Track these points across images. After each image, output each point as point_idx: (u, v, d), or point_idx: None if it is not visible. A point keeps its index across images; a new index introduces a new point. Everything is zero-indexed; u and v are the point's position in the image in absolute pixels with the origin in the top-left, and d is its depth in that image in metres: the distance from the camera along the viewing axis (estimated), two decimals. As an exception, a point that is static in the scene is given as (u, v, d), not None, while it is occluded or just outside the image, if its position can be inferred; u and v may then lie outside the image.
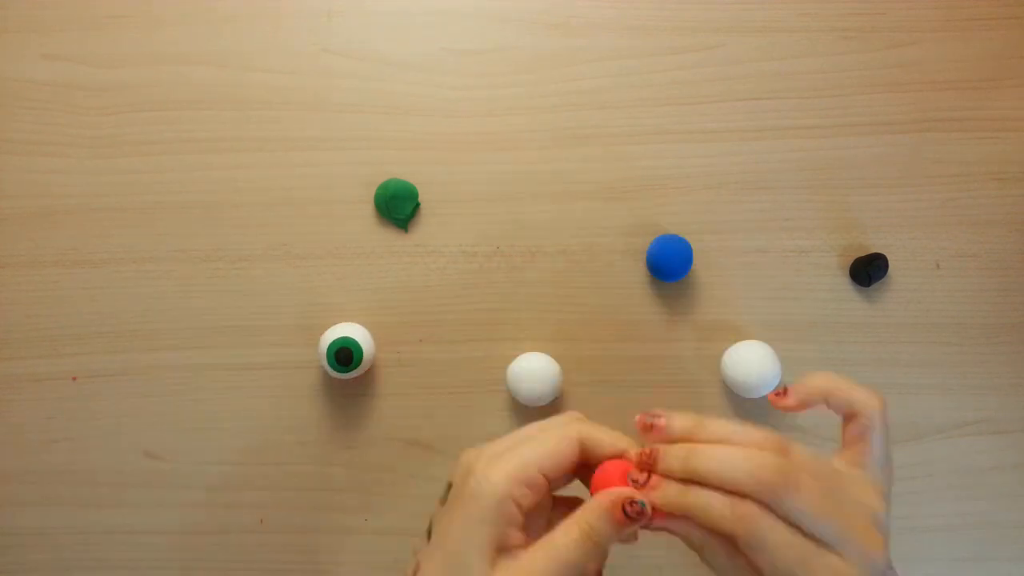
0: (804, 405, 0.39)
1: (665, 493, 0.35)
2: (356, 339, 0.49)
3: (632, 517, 0.34)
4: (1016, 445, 0.53)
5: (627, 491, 0.34)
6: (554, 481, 0.35)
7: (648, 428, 0.36)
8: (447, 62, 0.54)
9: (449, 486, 0.36)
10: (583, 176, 0.53)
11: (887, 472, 0.39)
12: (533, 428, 0.36)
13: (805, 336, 0.53)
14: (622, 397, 0.53)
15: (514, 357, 0.52)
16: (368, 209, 0.53)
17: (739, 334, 0.53)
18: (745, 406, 0.53)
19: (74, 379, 0.53)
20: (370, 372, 0.53)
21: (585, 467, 0.36)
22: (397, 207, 0.53)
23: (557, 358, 0.52)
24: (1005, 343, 0.53)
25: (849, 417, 0.38)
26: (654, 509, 0.34)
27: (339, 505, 0.53)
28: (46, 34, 0.54)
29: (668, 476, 0.35)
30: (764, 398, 0.52)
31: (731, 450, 0.34)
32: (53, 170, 0.53)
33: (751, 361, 0.50)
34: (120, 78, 0.54)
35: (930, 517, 0.53)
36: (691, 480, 0.34)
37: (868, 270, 0.52)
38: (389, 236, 0.53)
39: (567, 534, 0.33)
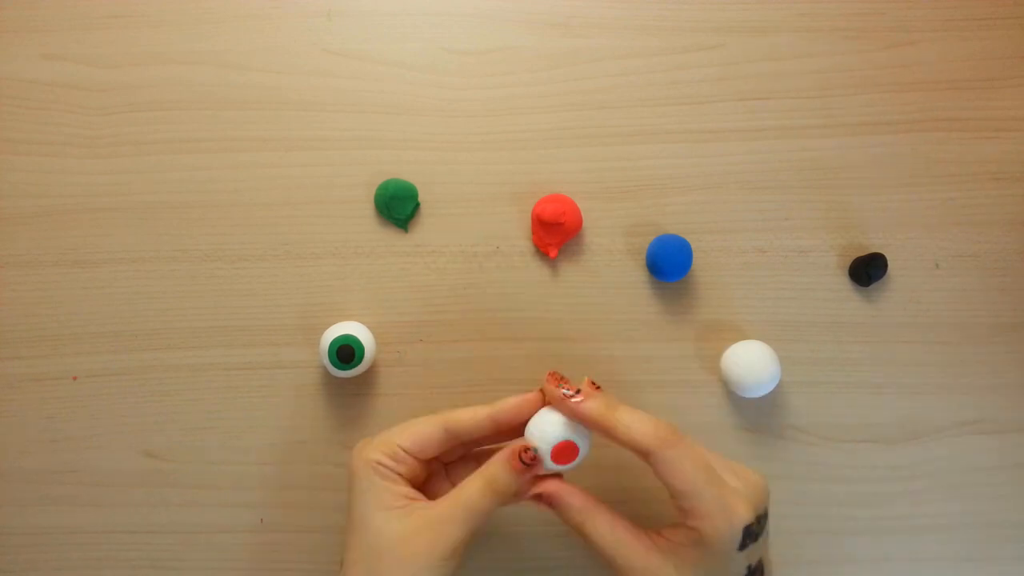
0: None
1: (596, 405, 0.40)
2: (357, 337, 0.49)
3: (527, 464, 0.40)
4: (1016, 445, 0.53)
5: (523, 442, 0.41)
6: (419, 454, 0.42)
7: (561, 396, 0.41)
8: (447, 62, 0.54)
9: None
10: (583, 176, 0.53)
11: None
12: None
13: (804, 336, 0.53)
14: (622, 397, 0.53)
15: (514, 357, 0.52)
16: (368, 209, 0.53)
17: (739, 334, 0.53)
18: (745, 406, 0.53)
19: (74, 379, 0.53)
20: (370, 372, 0.53)
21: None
22: (397, 207, 0.53)
23: (557, 357, 0.52)
24: (1005, 343, 0.53)
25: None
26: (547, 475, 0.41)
27: (339, 505, 0.53)
28: (46, 34, 0.54)
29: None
30: (764, 398, 0.52)
31: (644, 415, 0.40)
32: (53, 170, 0.53)
33: (751, 361, 0.50)
34: (120, 78, 0.54)
35: (930, 517, 0.53)
36: (604, 431, 0.40)
37: (867, 270, 0.52)
38: (389, 236, 0.54)
39: (471, 483, 0.40)
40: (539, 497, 0.41)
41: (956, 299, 0.53)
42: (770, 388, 0.50)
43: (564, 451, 0.41)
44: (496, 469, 0.40)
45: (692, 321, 0.53)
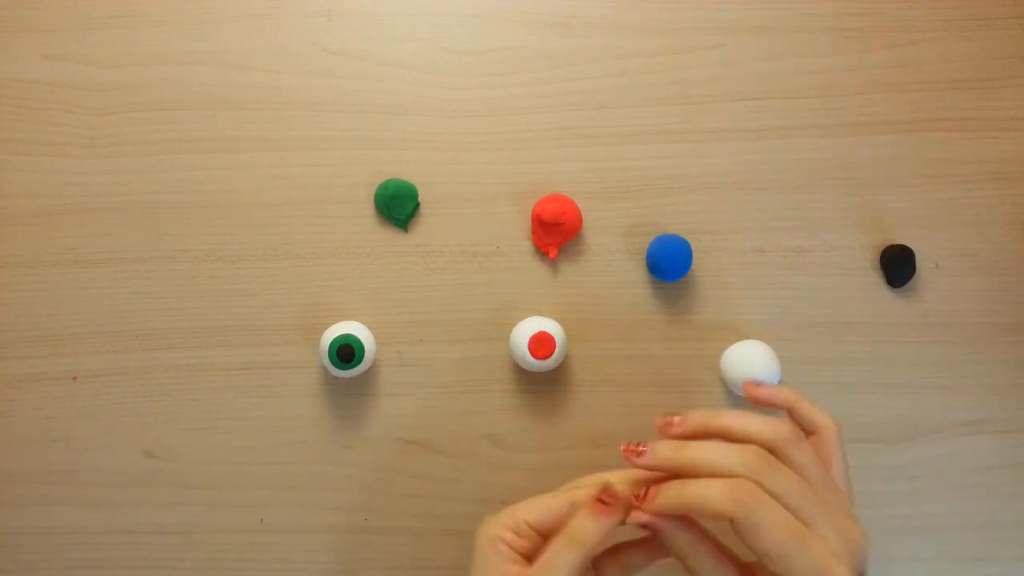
0: (769, 404, 0.46)
1: (664, 497, 0.39)
2: (358, 337, 0.49)
3: (607, 502, 0.39)
4: (1016, 445, 0.53)
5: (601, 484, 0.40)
6: (545, 529, 0.40)
7: (662, 427, 0.42)
8: (447, 62, 0.54)
9: None
10: (583, 176, 0.53)
11: (849, 490, 0.42)
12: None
13: (804, 336, 0.53)
14: (622, 397, 0.53)
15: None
16: (368, 209, 0.53)
17: (739, 334, 0.53)
18: (745, 406, 0.53)
19: (74, 379, 0.53)
20: (370, 372, 0.53)
21: None
22: (397, 207, 0.53)
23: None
24: (1005, 343, 0.53)
25: (809, 433, 0.44)
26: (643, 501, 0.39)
27: (339, 505, 0.53)
28: (46, 34, 0.54)
29: (658, 469, 0.40)
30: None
31: (721, 444, 0.39)
32: (53, 170, 0.53)
33: (750, 361, 0.50)
34: (120, 78, 0.54)
35: (930, 517, 0.53)
36: (680, 473, 0.39)
37: (895, 268, 0.52)
38: (389, 236, 0.54)
39: (554, 545, 0.39)
40: (645, 526, 0.40)
41: (956, 299, 0.53)
42: (770, 388, 0.50)
43: (541, 342, 0.48)
44: (577, 521, 0.39)
45: (692, 321, 0.53)
